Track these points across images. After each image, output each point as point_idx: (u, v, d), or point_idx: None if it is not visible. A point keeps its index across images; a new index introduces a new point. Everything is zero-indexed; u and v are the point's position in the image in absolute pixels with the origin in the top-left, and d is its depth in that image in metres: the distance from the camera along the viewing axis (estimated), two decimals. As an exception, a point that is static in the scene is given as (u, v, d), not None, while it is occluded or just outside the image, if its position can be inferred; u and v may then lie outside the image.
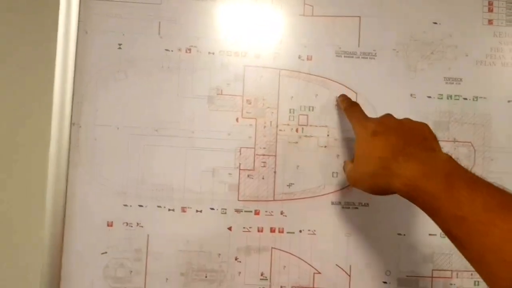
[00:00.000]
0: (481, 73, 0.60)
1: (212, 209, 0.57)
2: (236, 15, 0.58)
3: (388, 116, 0.48)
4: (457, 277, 0.58)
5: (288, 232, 0.57)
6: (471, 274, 0.58)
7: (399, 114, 0.57)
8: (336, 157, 0.58)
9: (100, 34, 0.57)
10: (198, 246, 0.56)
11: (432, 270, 0.58)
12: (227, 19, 0.58)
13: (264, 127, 0.58)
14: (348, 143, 0.58)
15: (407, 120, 0.47)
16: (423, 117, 0.58)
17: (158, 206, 0.56)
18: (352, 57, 0.59)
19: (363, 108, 0.53)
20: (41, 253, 0.54)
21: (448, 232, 0.38)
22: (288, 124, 0.58)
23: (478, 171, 0.57)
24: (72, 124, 0.55)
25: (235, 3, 0.58)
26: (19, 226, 0.58)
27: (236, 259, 0.56)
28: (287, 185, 0.57)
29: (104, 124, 0.56)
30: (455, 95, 0.59)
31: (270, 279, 0.56)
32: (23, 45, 0.59)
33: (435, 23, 0.60)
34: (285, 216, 0.57)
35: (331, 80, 0.59)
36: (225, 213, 0.57)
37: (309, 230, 0.57)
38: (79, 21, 0.56)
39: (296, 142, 0.58)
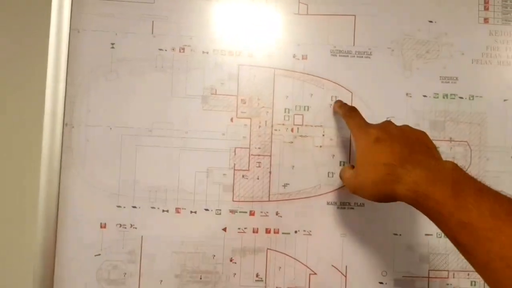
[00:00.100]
0: (477, 71, 0.60)
1: (207, 210, 0.56)
2: (230, 14, 0.58)
3: (389, 123, 0.48)
4: (453, 277, 0.57)
5: (283, 233, 0.57)
6: (468, 274, 0.57)
7: (395, 113, 0.58)
8: (332, 157, 0.57)
9: (92, 33, 0.56)
10: (192, 247, 0.56)
11: (429, 270, 0.57)
12: (221, 18, 0.58)
13: (259, 127, 0.57)
14: (344, 143, 0.58)
15: (408, 128, 0.47)
16: (419, 116, 0.58)
17: (152, 207, 0.55)
18: (347, 56, 0.59)
19: (358, 108, 0.53)
20: (33, 255, 0.53)
21: (454, 239, 0.38)
22: (283, 124, 0.57)
23: (474, 170, 0.57)
24: (64, 124, 0.55)
25: (229, 2, 0.58)
26: (11, 228, 0.57)
27: (231, 260, 0.56)
28: (282, 186, 0.57)
29: (97, 125, 0.55)
30: (451, 94, 0.59)
31: (265, 280, 0.56)
32: (14, 45, 0.59)
33: (431, 21, 0.60)
34: (281, 216, 0.57)
35: (326, 79, 0.58)
36: (220, 214, 0.56)
37: (304, 231, 0.57)
38: (71, 20, 0.55)
39: (291, 142, 0.57)
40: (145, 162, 0.56)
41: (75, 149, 0.55)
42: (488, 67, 0.60)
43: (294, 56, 0.58)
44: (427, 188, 0.39)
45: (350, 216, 0.57)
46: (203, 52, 0.57)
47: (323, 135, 0.58)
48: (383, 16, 0.59)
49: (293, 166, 0.57)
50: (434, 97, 0.59)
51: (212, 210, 0.56)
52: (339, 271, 0.57)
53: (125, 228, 0.55)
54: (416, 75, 0.59)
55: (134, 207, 0.55)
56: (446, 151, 0.58)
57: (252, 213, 0.56)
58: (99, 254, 0.55)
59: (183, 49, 0.57)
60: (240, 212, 0.56)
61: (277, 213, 0.57)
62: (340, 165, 0.58)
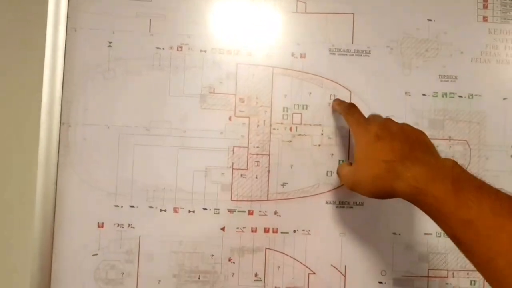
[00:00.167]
0: (476, 70, 0.60)
1: (205, 209, 0.56)
2: (228, 12, 0.57)
3: (389, 120, 0.48)
4: (453, 277, 0.57)
5: (282, 232, 0.56)
6: (467, 274, 0.57)
7: (394, 112, 0.57)
8: (331, 156, 0.57)
9: (89, 31, 0.56)
10: (190, 247, 0.55)
11: (428, 269, 0.57)
12: (219, 17, 0.57)
13: (258, 126, 0.57)
14: (343, 142, 0.57)
15: (408, 126, 0.47)
16: (418, 115, 0.58)
17: (150, 207, 0.55)
18: (346, 54, 0.58)
19: (358, 107, 0.53)
20: (30, 255, 0.53)
21: (454, 237, 0.37)
22: (281, 123, 0.57)
23: (473, 169, 0.57)
24: (61, 123, 0.54)
25: (228, 0, 0.58)
26: (7, 228, 0.57)
27: (229, 260, 0.56)
28: (281, 185, 0.57)
29: (94, 124, 0.55)
30: (450, 93, 0.59)
31: (264, 280, 0.56)
32: (10, 43, 0.58)
33: (430, 20, 0.60)
34: (279, 216, 0.56)
35: (325, 78, 0.58)
36: (218, 213, 0.56)
37: (303, 230, 0.56)
38: (68, 18, 0.55)
39: (290, 141, 0.57)
40: (143, 161, 0.55)
41: (72, 148, 0.55)
42: (487, 66, 0.60)
43: (292, 54, 0.58)
44: (426, 185, 0.39)
45: (349, 215, 0.57)
46: (201, 50, 0.57)
47: (322, 134, 0.57)
48: (382, 15, 0.59)
49: (292, 165, 0.57)
50: (433, 96, 0.59)
51: (210, 210, 0.56)
52: (338, 270, 0.56)
53: (123, 227, 0.55)
54: (415, 73, 0.59)
55: (131, 206, 0.55)
56: (445, 150, 0.58)
57: (250, 213, 0.56)
58: (97, 254, 0.54)
59: (181, 47, 0.57)
60: (238, 211, 0.56)
61: (275, 213, 0.56)
62: (339, 163, 0.57)
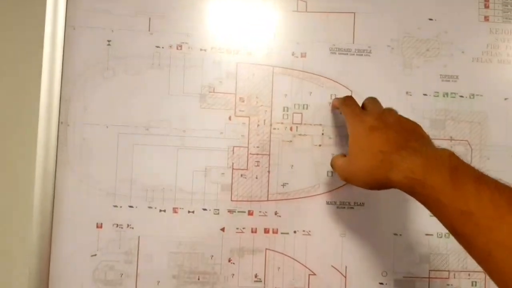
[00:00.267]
0: (478, 70, 0.59)
1: (205, 209, 0.55)
2: (228, 11, 0.57)
3: (386, 112, 0.47)
4: (454, 278, 0.57)
5: (282, 233, 0.56)
6: (469, 275, 0.57)
7: (395, 112, 0.57)
8: (331, 156, 0.57)
9: (88, 30, 0.55)
10: (190, 247, 0.55)
11: (429, 270, 0.57)
12: (219, 15, 0.57)
13: (258, 125, 0.57)
14: (343, 142, 0.57)
15: (403, 118, 0.47)
16: (419, 115, 0.58)
17: (149, 207, 0.55)
18: (347, 54, 0.58)
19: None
20: (28, 256, 0.52)
21: (452, 228, 0.37)
22: (282, 123, 0.57)
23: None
24: (60, 123, 0.54)
25: (228, -1, 0.57)
26: (5, 228, 0.56)
27: (229, 260, 0.55)
28: (281, 185, 0.56)
29: (93, 123, 0.54)
30: (451, 93, 0.59)
31: (264, 281, 0.55)
32: (8, 42, 0.57)
33: (431, 19, 0.59)
34: (279, 216, 0.56)
35: (326, 77, 0.58)
36: (218, 213, 0.55)
37: (303, 231, 0.56)
38: (66, 16, 0.54)
39: (290, 141, 0.57)
40: (142, 161, 0.55)
41: (71, 148, 0.54)
42: (488, 66, 0.60)
43: (293, 54, 0.57)
44: (424, 176, 0.38)
45: (350, 216, 0.57)
46: (201, 49, 0.56)
47: (322, 134, 0.57)
48: (383, 14, 0.59)
49: (292, 165, 0.57)
50: (434, 96, 0.58)
51: (210, 210, 0.55)
52: (339, 271, 0.56)
53: (122, 228, 0.54)
54: (416, 73, 0.58)
55: (131, 206, 0.54)
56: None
57: (250, 213, 0.56)
58: (95, 255, 0.54)
59: (181, 46, 0.56)
60: (238, 212, 0.56)
61: (276, 213, 0.56)
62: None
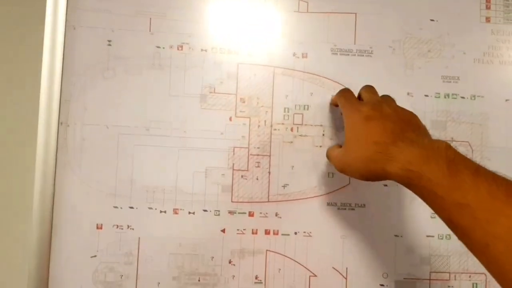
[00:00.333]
0: (479, 71, 0.59)
1: (205, 210, 0.55)
2: (229, 12, 0.57)
3: (382, 101, 0.47)
4: (455, 279, 0.57)
5: (283, 234, 0.56)
6: (469, 276, 0.57)
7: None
8: (332, 157, 0.56)
9: (88, 30, 0.55)
10: (190, 249, 0.55)
11: (430, 272, 0.57)
12: (220, 16, 0.57)
13: (258, 126, 0.56)
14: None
15: (400, 108, 0.46)
16: (420, 116, 0.55)
17: (150, 208, 0.54)
18: (348, 54, 0.58)
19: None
20: (28, 257, 0.52)
21: (449, 221, 0.36)
22: (282, 123, 0.57)
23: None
24: (59, 123, 0.53)
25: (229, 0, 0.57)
26: (4, 228, 0.56)
27: (230, 262, 0.55)
28: (282, 186, 0.56)
29: (93, 123, 0.54)
30: (453, 94, 0.59)
31: (264, 282, 0.55)
32: (8, 41, 0.57)
33: (432, 20, 0.59)
34: (280, 217, 0.56)
35: (327, 78, 0.57)
36: (218, 214, 0.55)
37: (304, 232, 0.56)
38: (66, 16, 0.54)
39: (291, 142, 0.57)
40: (143, 162, 0.54)
41: (71, 148, 0.54)
42: (489, 67, 0.59)
43: (294, 54, 0.57)
44: (421, 167, 0.38)
45: (351, 217, 0.56)
46: (202, 50, 0.56)
47: (323, 135, 0.57)
48: (385, 14, 0.58)
49: (293, 166, 0.56)
50: (435, 97, 0.58)
51: (210, 211, 0.55)
52: (340, 273, 0.56)
53: (122, 229, 0.54)
54: (417, 74, 0.58)
55: (131, 207, 0.54)
56: (448, 152, 0.57)
57: (251, 214, 0.56)
58: (95, 256, 0.53)
59: (181, 47, 0.56)
60: (239, 213, 0.55)
61: (276, 214, 0.56)
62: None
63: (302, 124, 0.57)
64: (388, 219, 0.57)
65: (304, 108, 0.57)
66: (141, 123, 0.55)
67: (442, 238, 0.57)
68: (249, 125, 0.56)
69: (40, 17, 0.53)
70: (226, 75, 0.56)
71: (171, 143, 0.55)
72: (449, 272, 0.57)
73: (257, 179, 0.56)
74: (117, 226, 0.54)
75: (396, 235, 0.57)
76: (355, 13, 0.58)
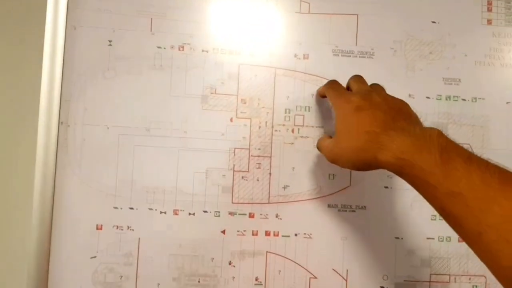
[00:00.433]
0: (480, 73, 0.59)
1: (205, 211, 0.55)
2: (231, 12, 0.57)
3: (372, 91, 0.47)
4: (455, 282, 0.57)
5: (283, 236, 0.56)
6: (469, 279, 0.57)
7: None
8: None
9: (89, 30, 0.54)
10: (190, 250, 0.54)
11: (430, 274, 0.57)
12: (221, 16, 0.56)
13: (259, 127, 0.56)
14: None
15: (390, 96, 0.46)
16: (421, 118, 0.57)
17: (150, 209, 0.54)
18: (350, 56, 0.58)
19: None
20: (27, 257, 0.52)
21: (442, 210, 0.36)
22: (283, 125, 0.56)
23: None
24: (60, 123, 0.53)
25: (230, 0, 0.57)
26: (4, 229, 0.56)
27: (230, 263, 0.55)
28: (283, 187, 0.56)
29: (93, 124, 0.54)
30: (454, 96, 0.58)
31: (265, 284, 0.55)
32: (8, 41, 0.57)
33: (434, 22, 0.59)
34: (280, 219, 0.56)
35: (328, 79, 0.57)
36: (219, 216, 0.55)
37: (305, 234, 0.56)
38: (67, 16, 0.54)
39: (292, 143, 0.56)
40: (143, 162, 0.54)
41: (71, 149, 0.54)
42: (491, 69, 0.59)
43: (295, 55, 0.57)
44: (412, 156, 0.37)
45: (351, 219, 0.56)
46: (203, 50, 0.56)
47: (324, 136, 0.57)
48: (386, 16, 0.58)
49: (294, 168, 0.56)
50: (437, 99, 0.58)
51: (211, 212, 0.55)
52: (340, 275, 0.56)
53: (122, 230, 0.54)
54: (419, 76, 0.58)
55: (131, 208, 0.54)
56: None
57: (251, 215, 0.55)
58: (95, 257, 0.53)
59: (183, 47, 0.56)
60: (239, 214, 0.55)
61: (277, 216, 0.56)
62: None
63: (303, 126, 0.57)
64: (388, 221, 0.57)
65: (305, 110, 0.57)
66: (141, 123, 0.54)
67: (442, 240, 0.57)
68: (250, 126, 0.56)
69: (40, 17, 0.53)
70: (227, 75, 0.56)
71: (171, 143, 0.55)
72: (449, 274, 0.57)
73: (257, 180, 0.56)
74: (117, 227, 0.54)
75: (396, 237, 0.57)
76: (357, 15, 0.58)
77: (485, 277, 0.57)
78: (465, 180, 0.34)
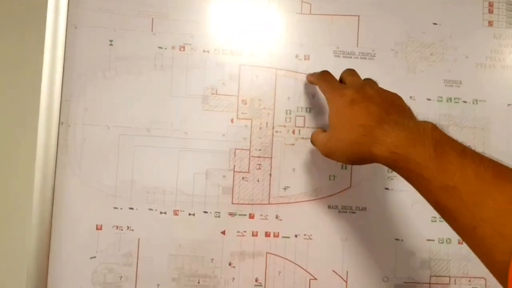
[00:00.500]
0: (481, 75, 0.59)
1: (205, 212, 0.55)
2: (232, 13, 0.56)
3: (365, 84, 0.46)
4: (455, 284, 0.57)
5: (283, 237, 0.56)
6: (469, 281, 0.57)
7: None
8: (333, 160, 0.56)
9: (90, 29, 0.54)
10: (190, 250, 0.54)
11: (430, 276, 0.57)
12: (223, 17, 0.56)
13: (260, 128, 0.56)
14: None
15: (383, 90, 0.46)
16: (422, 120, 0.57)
17: (150, 209, 0.54)
18: (351, 57, 0.58)
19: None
20: (27, 257, 0.52)
21: (436, 204, 0.36)
22: (284, 126, 0.56)
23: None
24: (60, 123, 0.53)
25: (231, 0, 0.57)
26: (3, 229, 0.56)
27: (229, 264, 0.55)
28: (283, 188, 0.56)
29: (94, 124, 0.54)
30: (455, 98, 0.58)
31: (264, 285, 0.55)
32: (9, 40, 0.57)
33: (435, 23, 0.59)
34: (281, 220, 0.56)
35: (329, 80, 0.57)
36: (219, 216, 0.55)
37: (305, 235, 0.56)
38: (68, 15, 0.53)
39: (293, 144, 0.56)
40: (143, 162, 0.54)
41: (71, 149, 0.53)
42: (492, 71, 0.59)
43: (296, 56, 0.57)
44: (407, 150, 0.37)
45: (352, 221, 0.56)
46: (204, 51, 0.56)
47: (325, 138, 0.57)
48: (388, 18, 0.58)
49: (294, 169, 0.56)
50: (438, 101, 0.58)
51: (211, 213, 0.55)
52: (340, 276, 0.56)
53: (122, 230, 0.54)
54: (420, 78, 0.58)
55: (131, 208, 0.54)
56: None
57: (251, 216, 0.55)
58: (95, 257, 0.53)
59: (184, 47, 0.56)
60: (239, 215, 0.55)
61: (277, 217, 0.56)
62: (342, 168, 0.57)
63: (304, 127, 0.57)
64: (388, 223, 0.57)
65: (306, 111, 0.57)
66: (142, 123, 0.54)
67: (442, 242, 0.57)
68: (251, 127, 0.56)
69: (41, 16, 0.53)
70: (228, 76, 0.56)
71: (172, 144, 0.55)
72: (449, 276, 0.57)
73: (258, 181, 0.56)
74: (117, 227, 0.54)
75: (396, 239, 0.57)
76: (358, 16, 0.58)
77: (485, 279, 0.57)
78: (460, 174, 0.34)
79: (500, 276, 0.32)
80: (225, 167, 0.55)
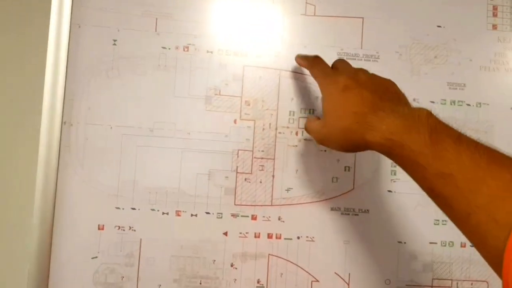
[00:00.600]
0: (485, 78, 0.59)
1: (208, 213, 0.55)
2: (236, 13, 0.56)
3: (359, 70, 0.46)
4: (457, 287, 0.57)
5: (285, 238, 0.55)
6: (471, 284, 0.57)
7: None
8: (337, 162, 0.56)
9: (94, 28, 0.54)
10: (192, 251, 0.54)
11: (432, 279, 0.57)
12: (227, 17, 0.56)
13: (263, 129, 0.56)
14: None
15: (377, 76, 0.46)
16: (425, 123, 0.57)
17: (152, 210, 0.54)
18: (355, 59, 0.57)
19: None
20: (28, 257, 0.51)
21: (431, 190, 0.36)
22: (287, 127, 0.56)
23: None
24: (63, 122, 0.53)
25: (235, 1, 0.56)
26: (5, 229, 0.55)
27: (231, 265, 0.55)
28: (286, 190, 0.56)
29: (97, 123, 0.54)
30: (458, 101, 0.58)
31: (266, 286, 0.55)
32: (13, 39, 0.56)
33: (439, 26, 0.59)
34: (283, 221, 0.55)
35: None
36: (221, 217, 0.55)
37: (307, 237, 0.56)
38: (72, 14, 0.53)
39: (296, 146, 0.56)
40: (146, 163, 0.54)
41: (74, 148, 0.53)
42: (495, 74, 0.59)
43: (300, 57, 0.57)
44: (402, 136, 0.37)
45: (354, 223, 0.56)
46: (208, 51, 0.56)
47: (328, 139, 0.57)
48: (392, 20, 0.58)
49: (297, 170, 0.56)
50: (441, 104, 0.58)
51: (213, 214, 0.55)
52: (342, 278, 0.56)
53: (124, 230, 0.53)
54: (423, 80, 0.58)
55: (133, 209, 0.54)
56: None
57: (254, 218, 0.55)
58: (96, 257, 0.53)
59: (187, 48, 0.55)
60: (241, 216, 0.55)
61: (279, 218, 0.55)
62: (345, 170, 0.57)
63: (307, 128, 0.57)
64: (391, 225, 0.56)
65: (310, 112, 0.57)
66: (145, 123, 0.54)
67: (445, 245, 0.57)
68: (254, 128, 0.56)
69: (45, 15, 0.53)
70: (232, 77, 0.56)
71: (174, 144, 0.55)
72: (452, 279, 0.57)
73: (260, 182, 0.56)
74: (119, 227, 0.53)
75: (399, 241, 0.56)
76: (362, 18, 0.58)
77: (487, 283, 0.57)
78: (455, 161, 0.34)
79: (494, 262, 0.31)
80: (227, 168, 0.55)
